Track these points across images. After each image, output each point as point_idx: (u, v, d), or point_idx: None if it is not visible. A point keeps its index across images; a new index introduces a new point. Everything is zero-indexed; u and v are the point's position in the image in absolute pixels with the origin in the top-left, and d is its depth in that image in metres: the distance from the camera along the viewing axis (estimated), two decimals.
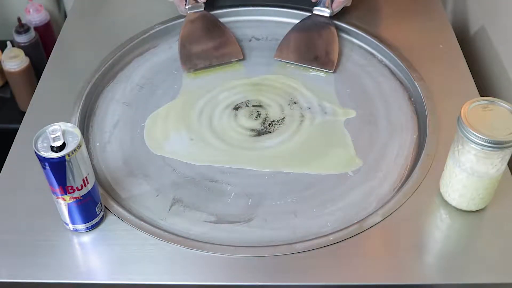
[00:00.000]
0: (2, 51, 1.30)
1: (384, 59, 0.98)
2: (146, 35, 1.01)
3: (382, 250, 0.72)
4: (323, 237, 0.72)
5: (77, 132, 0.67)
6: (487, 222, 0.75)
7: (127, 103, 0.92)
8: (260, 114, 0.90)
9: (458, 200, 0.74)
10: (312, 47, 0.97)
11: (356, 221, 0.74)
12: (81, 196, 0.69)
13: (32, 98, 0.91)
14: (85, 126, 0.87)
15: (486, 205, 0.75)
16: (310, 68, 0.96)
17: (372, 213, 0.75)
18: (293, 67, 0.97)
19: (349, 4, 0.99)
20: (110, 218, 0.75)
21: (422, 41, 1.00)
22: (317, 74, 0.96)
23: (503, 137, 0.67)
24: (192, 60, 0.96)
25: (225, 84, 0.94)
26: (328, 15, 0.99)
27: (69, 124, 0.67)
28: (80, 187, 0.68)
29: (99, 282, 0.69)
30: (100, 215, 0.73)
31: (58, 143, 0.65)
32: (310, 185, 0.80)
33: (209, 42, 0.98)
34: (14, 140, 0.84)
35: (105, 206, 0.75)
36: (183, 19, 1.03)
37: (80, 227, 0.72)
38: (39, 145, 0.65)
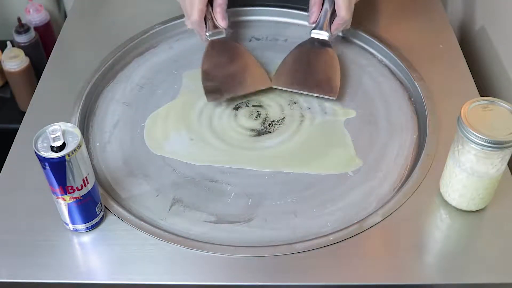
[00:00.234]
0: (2, 51, 1.30)
1: (384, 59, 0.98)
2: (146, 35, 1.01)
3: (382, 250, 0.72)
4: (323, 237, 0.72)
5: (77, 132, 0.67)
6: (487, 222, 0.75)
7: (127, 103, 0.92)
8: (260, 114, 0.90)
9: (458, 200, 0.74)
10: (312, 73, 0.92)
11: (356, 221, 0.74)
12: (81, 196, 0.69)
13: (32, 98, 0.91)
14: (85, 126, 0.87)
15: (486, 205, 0.75)
16: (311, 95, 0.91)
17: (372, 213, 0.75)
18: None
19: (348, 27, 0.94)
20: (110, 218, 0.75)
21: (422, 41, 1.00)
22: None
23: (503, 137, 0.67)
24: (216, 92, 0.89)
25: None
26: (326, 38, 0.94)
27: (69, 124, 0.67)
28: (80, 187, 0.68)
29: (99, 282, 0.69)
30: (100, 215, 0.73)
31: (58, 143, 0.65)
32: (310, 185, 0.80)
33: (233, 70, 0.93)
34: (14, 140, 0.84)
35: (105, 206, 0.75)
36: (183, 19, 1.03)
37: (80, 227, 0.72)
38: (39, 145, 0.65)
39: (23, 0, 1.36)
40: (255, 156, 0.84)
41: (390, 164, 0.82)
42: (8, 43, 1.28)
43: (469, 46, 1.07)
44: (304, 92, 0.91)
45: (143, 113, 0.90)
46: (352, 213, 0.76)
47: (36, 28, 1.34)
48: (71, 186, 0.67)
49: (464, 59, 0.96)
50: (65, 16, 1.45)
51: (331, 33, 0.94)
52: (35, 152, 0.65)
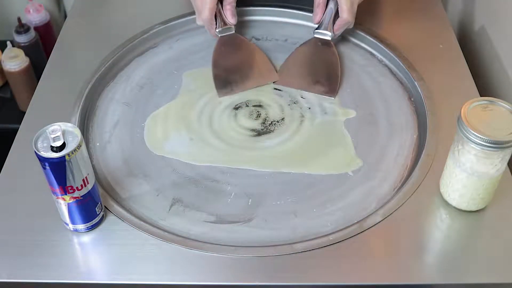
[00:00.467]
0: (2, 51, 1.30)
1: (384, 59, 0.98)
2: (146, 35, 1.01)
3: (382, 250, 0.72)
4: (323, 237, 0.72)
5: (77, 132, 0.67)
6: (487, 222, 0.75)
7: (127, 103, 0.92)
8: (260, 114, 0.90)
9: (458, 200, 0.74)
10: (313, 72, 0.95)
11: (356, 221, 0.74)
12: (81, 196, 0.69)
13: (32, 98, 0.91)
14: (85, 126, 0.87)
15: (486, 205, 0.75)
16: (311, 93, 0.93)
17: (372, 213, 0.75)
18: None
19: (351, 27, 0.96)
20: (110, 218, 0.75)
21: (422, 41, 1.00)
22: None
23: (503, 137, 0.67)
24: (227, 86, 0.92)
25: None
26: (329, 38, 0.95)
27: (69, 124, 0.67)
28: (80, 187, 0.68)
29: (99, 282, 0.69)
30: (100, 215, 0.73)
31: (58, 143, 0.65)
32: (310, 185, 0.80)
33: (242, 65, 0.96)
34: (14, 140, 0.84)
35: (105, 206, 0.75)
36: (184, 19, 1.03)
37: (80, 227, 0.72)
38: (39, 145, 0.65)
39: (23, 0, 1.36)
40: (255, 156, 0.84)
41: (390, 164, 0.82)
42: (8, 43, 1.28)
43: (469, 46, 1.07)
44: (304, 91, 0.92)
45: (143, 113, 0.90)
46: (352, 213, 0.76)
47: (36, 28, 1.34)
48: (71, 186, 0.67)
49: (464, 59, 0.96)
50: (65, 16, 1.45)
51: (334, 33, 0.95)
52: (35, 152, 0.65)
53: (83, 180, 0.68)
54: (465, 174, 0.71)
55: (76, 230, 0.73)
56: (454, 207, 0.75)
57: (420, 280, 0.70)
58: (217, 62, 0.95)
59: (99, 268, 0.71)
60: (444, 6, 1.08)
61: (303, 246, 0.71)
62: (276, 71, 0.95)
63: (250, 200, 0.78)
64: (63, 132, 0.66)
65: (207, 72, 0.96)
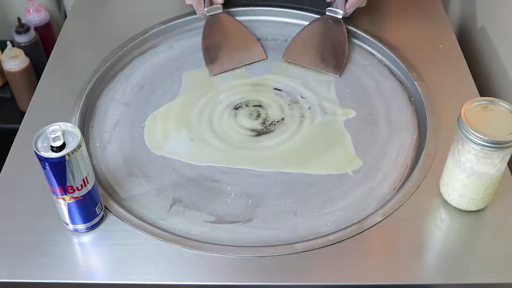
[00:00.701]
0: (2, 51, 1.30)
1: (384, 59, 0.98)
2: (146, 35, 1.01)
3: (382, 250, 0.72)
4: (323, 237, 0.72)
5: (77, 132, 0.67)
6: (487, 222, 0.75)
7: (127, 103, 0.92)
8: (260, 114, 0.90)
9: (458, 200, 0.74)
10: (320, 49, 0.97)
11: (356, 221, 0.74)
12: (81, 196, 0.69)
13: (32, 98, 0.91)
14: (85, 126, 0.87)
15: (486, 205, 0.75)
16: (316, 70, 0.95)
17: (372, 213, 0.75)
18: (292, 66, 0.97)
19: (363, 5, 0.97)
20: (110, 218, 0.75)
21: (422, 41, 1.00)
22: (318, 74, 0.96)
23: (503, 137, 0.67)
24: (217, 64, 0.95)
25: (225, 84, 0.95)
26: (340, 16, 0.98)
27: (69, 124, 0.67)
28: (80, 187, 0.68)
29: (99, 282, 0.69)
30: (100, 215, 0.73)
31: (58, 143, 0.65)
32: (310, 185, 0.80)
33: (231, 43, 0.98)
34: (14, 140, 0.84)
35: (105, 206, 0.75)
36: (184, 19, 1.03)
37: (80, 227, 0.72)
38: (39, 145, 0.65)
39: (23, 0, 1.35)
40: (255, 156, 0.84)
41: (390, 164, 0.82)
42: (8, 43, 1.28)
43: (469, 46, 1.07)
44: (309, 67, 0.95)
45: (143, 113, 0.90)
46: (352, 213, 0.76)
47: (36, 28, 1.34)
48: (71, 186, 0.67)
49: (464, 59, 0.96)
50: (65, 16, 1.45)
51: (345, 11, 0.98)
52: (35, 152, 0.65)
53: (83, 180, 0.68)
54: (465, 174, 0.71)
55: (76, 230, 0.73)
56: (454, 207, 0.75)
57: (420, 280, 0.70)
58: (206, 40, 0.97)
59: (99, 268, 0.71)
60: (444, 6, 1.08)
61: (303, 246, 0.71)
62: (264, 50, 0.98)
63: (250, 200, 0.78)
64: (63, 132, 0.66)
65: (207, 72, 0.96)
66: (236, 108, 0.91)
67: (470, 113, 0.69)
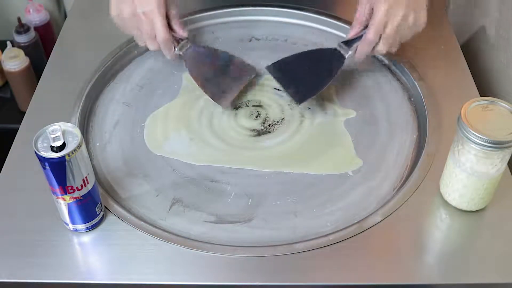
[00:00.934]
0: (2, 51, 1.30)
1: (384, 59, 0.98)
2: None
3: (382, 250, 0.72)
4: (323, 237, 0.72)
5: (77, 132, 0.67)
6: (487, 222, 0.75)
7: (127, 103, 0.92)
8: (260, 114, 0.90)
9: (458, 200, 0.74)
10: (301, 73, 0.90)
11: (356, 221, 0.74)
12: (81, 196, 0.69)
13: (32, 98, 0.91)
14: (85, 126, 0.87)
15: (486, 205, 0.75)
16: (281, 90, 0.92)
17: (372, 213, 0.75)
18: None
19: (381, 53, 0.88)
20: (110, 218, 0.75)
21: (422, 41, 1.00)
22: None
23: (503, 137, 0.67)
24: (224, 96, 0.89)
25: None
26: (345, 55, 0.89)
27: (69, 124, 0.67)
28: (80, 187, 0.68)
29: (99, 282, 0.69)
30: (100, 215, 0.73)
31: (58, 143, 0.65)
32: (310, 185, 0.80)
33: (220, 70, 0.92)
34: (14, 140, 0.84)
35: (105, 206, 0.75)
36: (184, 19, 1.02)
37: (80, 227, 0.72)
38: (39, 145, 0.65)
39: (23, 0, 1.36)
40: (255, 156, 0.84)
41: (390, 164, 0.82)
42: (8, 43, 1.28)
43: (469, 46, 1.07)
44: (278, 84, 0.91)
45: (143, 113, 0.90)
46: (352, 213, 0.76)
47: (36, 28, 1.34)
48: (71, 186, 0.67)
49: (464, 59, 0.96)
50: (65, 16, 1.45)
51: (354, 54, 0.89)
52: (35, 152, 0.65)
53: (83, 180, 0.68)
54: (465, 174, 0.71)
55: (76, 230, 0.73)
56: (454, 207, 0.75)
57: (420, 280, 0.70)
58: (195, 76, 0.91)
59: (99, 268, 0.71)
60: (444, 6, 1.08)
61: (303, 246, 0.71)
62: (253, 66, 0.94)
63: (250, 200, 0.78)
64: (63, 132, 0.66)
65: None
66: (236, 108, 0.91)
67: (470, 113, 0.69)
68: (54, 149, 0.65)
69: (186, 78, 0.95)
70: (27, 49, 1.30)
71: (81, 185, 0.68)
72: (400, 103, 0.91)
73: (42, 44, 1.34)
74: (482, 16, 1.05)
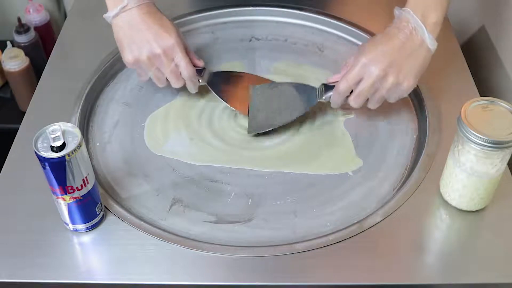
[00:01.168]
0: (2, 51, 1.30)
1: None
2: None
3: (382, 250, 0.72)
4: (323, 237, 0.72)
5: (77, 132, 0.67)
6: (487, 222, 0.75)
7: (127, 103, 0.92)
8: None
9: (458, 200, 0.74)
10: (268, 104, 0.87)
11: (356, 221, 0.74)
12: (81, 196, 0.69)
13: (32, 98, 0.91)
14: (85, 126, 0.87)
15: (486, 205, 0.75)
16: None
17: (372, 213, 0.75)
18: (292, 66, 0.97)
19: (348, 112, 0.87)
20: (110, 218, 0.75)
21: None
22: (317, 73, 0.96)
23: (503, 137, 0.67)
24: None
25: None
26: (318, 99, 0.85)
27: (69, 124, 0.67)
28: (80, 187, 0.68)
29: (99, 282, 0.69)
30: (100, 215, 0.73)
31: (58, 143, 0.65)
32: (310, 185, 0.80)
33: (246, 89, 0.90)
34: (14, 140, 0.84)
35: (105, 206, 0.75)
36: (184, 19, 1.03)
37: (80, 227, 0.72)
38: (39, 145, 0.65)
39: (23, 0, 1.36)
40: (255, 156, 0.84)
41: (390, 164, 0.82)
42: (8, 43, 1.28)
43: (469, 46, 1.07)
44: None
45: (143, 113, 0.90)
46: (352, 213, 0.76)
47: (36, 28, 1.34)
48: (71, 186, 0.67)
49: (464, 59, 0.96)
50: (65, 16, 1.45)
51: (326, 100, 0.85)
52: (35, 152, 0.65)
53: (83, 180, 0.68)
54: (465, 174, 0.71)
55: (76, 230, 0.73)
56: (454, 207, 0.75)
57: (420, 280, 0.70)
58: (231, 101, 0.88)
59: (99, 268, 0.71)
60: None
61: (303, 246, 0.71)
62: (261, 77, 0.92)
63: (250, 200, 0.78)
64: (63, 132, 0.66)
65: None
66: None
67: (470, 113, 0.69)
68: (54, 149, 0.65)
69: None
70: (27, 49, 1.30)
71: (81, 185, 0.68)
72: (400, 103, 0.91)
73: (42, 44, 1.34)
74: (482, 16, 1.05)
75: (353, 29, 1.01)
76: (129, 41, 0.82)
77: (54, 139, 0.65)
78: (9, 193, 0.78)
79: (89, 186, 0.69)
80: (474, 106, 0.70)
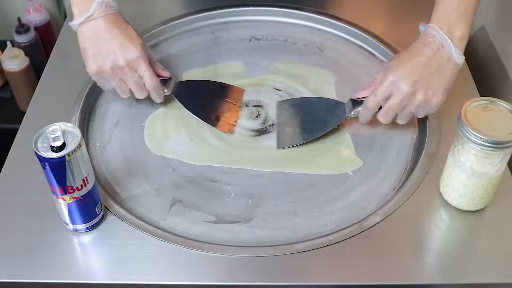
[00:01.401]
0: (2, 51, 1.30)
1: (384, 59, 0.98)
2: (146, 35, 1.00)
3: (382, 250, 0.72)
4: (323, 237, 0.72)
5: (77, 132, 0.67)
6: (487, 222, 0.75)
7: (127, 103, 0.92)
8: (260, 114, 0.90)
9: (458, 200, 0.74)
10: (299, 118, 0.88)
11: (356, 221, 0.74)
12: (81, 196, 0.69)
13: (32, 98, 0.91)
14: (85, 126, 0.87)
15: (486, 205, 0.75)
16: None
17: (372, 213, 0.75)
18: (292, 66, 0.97)
19: (364, 119, 0.84)
20: (110, 218, 0.75)
21: None
22: (317, 73, 0.96)
23: (503, 137, 0.67)
24: (228, 123, 0.88)
25: None
26: (347, 115, 0.85)
27: (69, 124, 0.67)
28: (80, 187, 0.68)
29: (99, 282, 0.69)
30: (100, 215, 0.73)
31: (58, 143, 0.65)
32: (310, 185, 0.80)
33: (214, 98, 0.91)
34: (14, 140, 0.84)
35: (105, 206, 0.75)
36: (184, 19, 1.03)
37: (80, 227, 0.72)
38: (39, 145, 0.65)
39: (23, 0, 1.35)
40: (255, 156, 0.84)
41: (390, 164, 0.82)
42: (8, 43, 1.28)
43: (469, 46, 1.07)
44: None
45: (143, 113, 0.90)
46: (352, 213, 0.76)
47: (36, 28, 1.34)
48: (71, 186, 0.67)
49: (464, 59, 0.96)
50: (65, 16, 1.45)
51: (354, 115, 0.85)
52: (35, 152, 0.65)
53: (83, 180, 0.68)
54: (465, 174, 0.71)
55: (76, 230, 0.73)
56: (454, 207, 0.75)
57: (420, 280, 0.70)
58: (196, 112, 0.88)
59: (99, 268, 0.71)
60: None
61: (303, 246, 0.71)
62: (234, 86, 0.92)
63: (250, 200, 0.78)
64: (63, 132, 0.66)
65: (207, 72, 0.96)
66: None
67: (470, 113, 0.69)
68: (54, 149, 0.65)
69: (186, 78, 0.95)
70: (27, 49, 1.30)
71: (81, 185, 0.68)
72: None
73: (42, 44, 1.34)
74: (482, 16, 1.05)
75: (353, 29, 1.01)
76: (93, 51, 0.82)
77: (54, 139, 0.65)
78: (9, 193, 0.78)
79: (89, 186, 0.69)
80: (474, 106, 0.70)
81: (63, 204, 0.69)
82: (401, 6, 1.08)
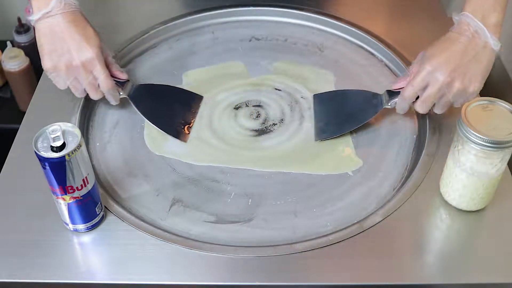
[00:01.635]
0: (2, 51, 1.30)
1: (384, 59, 0.98)
2: (146, 35, 1.01)
3: (382, 250, 0.72)
4: (323, 237, 0.72)
5: (77, 132, 0.67)
6: (487, 222, 0.75)
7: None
8: (260, 114, 0.90)
9: (458, 200, 0.74)
10: (337, 110, 0.89)
11: (356, 221, 0.74)
12: (81, 196, 0.69)
13: (32, 98, 0.91)
14: (85, 126, 0.87)
15: (486, 205, 0.75)
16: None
17: (372, 213, 0.75)
18: (292, 66, 0.97)
19: (420, 111, 0.82)
20: (110, 218, 0.75)
21: (422, 41, 0.99)
22: (317, 73, 0.96)
23: (503, 137, 0.67)
24: (181, 130, 0.87)
25: (225, 84, 0.94)
26: (384, 106, 0.85)
27: (69, 124, 0.67)
28: (80, 187, 0.68)
29: (99, 282, 0.69)
30: (100, 215, 0.73)
31: (58, 143, 0.65)
32: (310, 185, 0.80)
33: (170, 104, 0.90)
34: (14, 140, 0.84)
35: (105, 206, 0.75)
36: (184, 19, 1.03)
37: (80, 227, 0.72)
38: (39, 145, 0.65)
39: (23, 0, 1.36)
40: (255, 156, 0.84)
41: (390, 164, 0.82)
42: (8, 43, 1.28)
43: None
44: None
45: None
46: (352, 213, 0.76)
47: None
48: (71, 186, 0.67)
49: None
50: None
51: (392, 106, 0.85)
52: (35, 152, 0.65)
53: (83, 180, 0.68)
54: (465, 174, 0.71)
55: (76, 230, 0.73)
56: (454, 207, 0.75)
57: (420, 280, 0.70)
58: (151, 117, 0.87)
59: (99, 268, 0.71)
60: (444, 6, 1.08)
61: (303, 246, 0.71)
62: (193, 93, 0.91)
63: (250, 200, 0.78)
64: (63, 132, 0.66)
65: (207, 72, 0.96)
66: (236, 108, 0.91)
67: (470, 113, 0.69)
68: (54, 149, 0.65)
69: (186, 78, 0.96)
70: (27, 49, 1.30)
71: (81, 185, 0.68)
72: None
73: None
74: None
75: (353, 29, 1.01)
76: (50, 48, 0.81)
77: (54, 139, 0.65)
78: (9, 193, 0.78)
79: (89, 186, 0.69)
80: (474, 106, 0.70)
81: (63, 204, 0.69)
82: (401, 6, 1.08)
